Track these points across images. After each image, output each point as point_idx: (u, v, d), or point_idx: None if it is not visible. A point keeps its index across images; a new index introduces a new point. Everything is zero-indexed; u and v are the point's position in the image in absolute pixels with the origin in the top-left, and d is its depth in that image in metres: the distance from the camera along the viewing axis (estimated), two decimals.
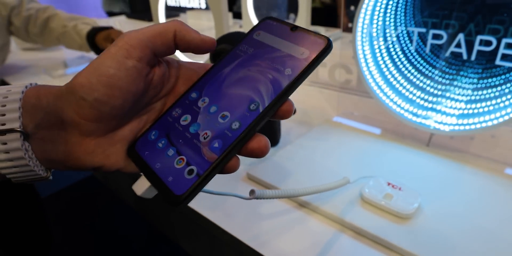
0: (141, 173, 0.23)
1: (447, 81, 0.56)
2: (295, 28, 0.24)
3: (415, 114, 0.56)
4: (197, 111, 0.23)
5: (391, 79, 0.58)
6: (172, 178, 0.21)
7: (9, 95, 0.20)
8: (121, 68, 0.21)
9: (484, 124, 0.49)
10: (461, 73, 0.54)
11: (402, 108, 0.57)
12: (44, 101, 0.21)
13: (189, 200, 0.20)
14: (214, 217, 0.44)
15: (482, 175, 0.49)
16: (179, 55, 0.90)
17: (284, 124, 0.62)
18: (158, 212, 0.66)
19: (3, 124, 0.20)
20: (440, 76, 0.56)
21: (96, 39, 0.92)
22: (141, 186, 0.24)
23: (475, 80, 0.53)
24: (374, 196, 0.44)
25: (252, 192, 0.27)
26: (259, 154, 0.22)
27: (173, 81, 0.25)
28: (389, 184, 0.45)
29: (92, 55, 1.03)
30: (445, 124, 0.53)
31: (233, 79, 0.23)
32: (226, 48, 0.53)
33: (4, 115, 0.20)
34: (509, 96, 0.49)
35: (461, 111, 0.54)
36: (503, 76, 0.50)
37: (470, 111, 0.53)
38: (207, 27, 1.37)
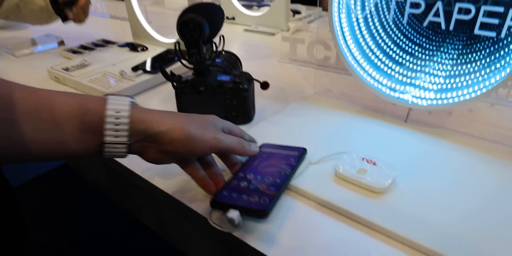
0: (229, 209, 0.36)
1: (427, 57, 0.54)
2: (285, 146, 0.47)
3: (393, 89, 0.54)
4: (249, 180, 0.40)
5: (369, 53, 0.56)
6: (254, 205, 0.36)
7: (122, 112, 0.34)
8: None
9: (462, 98, 0.48)
10: (441, 49, 0.53)
11: (380, 82, 0.55)
12: (149, 126, 0.35)
13: (271, 210, 0.36)
14: (193, 204, 0.42)
15: (460, 149, 0.48)
16: (153, 33, 0.86)
17: (259, 102, 0.59)
18: (137, 202, 0.63)
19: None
20: (420, 52, 0.54)
21: None
22: (234, 214, 0.35)
23: (455, 56, 0.52)
24: (347, 171, 0.42)
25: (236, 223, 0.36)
26: None
27: None
28: (363, 159, 0.44)
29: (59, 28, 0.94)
30: (423, 98, 0.52)
31: (263, 165, 0.43)
32: (195, 18, 0.49)
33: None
34: (488, 70, 0.48)
35: (439, 86, 0.52)
36: (482, 52, 0.49)
37: (449, 86, 0.51)
38: None
